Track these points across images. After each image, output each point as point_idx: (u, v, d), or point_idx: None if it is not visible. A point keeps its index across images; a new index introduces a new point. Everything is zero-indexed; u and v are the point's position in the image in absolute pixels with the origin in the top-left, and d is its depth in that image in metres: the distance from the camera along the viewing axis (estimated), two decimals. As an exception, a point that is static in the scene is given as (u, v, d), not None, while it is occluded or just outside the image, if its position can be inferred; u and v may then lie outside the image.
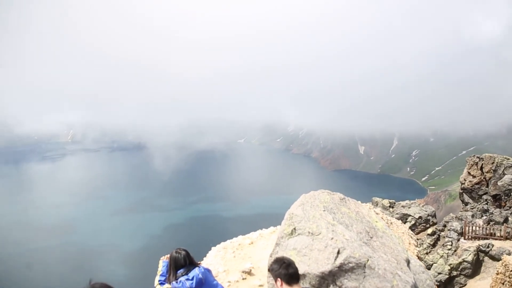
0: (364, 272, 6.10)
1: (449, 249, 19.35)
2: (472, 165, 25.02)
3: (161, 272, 5.41)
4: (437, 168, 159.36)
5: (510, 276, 11.76)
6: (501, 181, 23.19)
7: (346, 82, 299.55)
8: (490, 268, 17.86)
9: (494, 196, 23.46)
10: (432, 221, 23.94)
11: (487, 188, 24.04)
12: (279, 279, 4.01)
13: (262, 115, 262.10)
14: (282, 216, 7.48)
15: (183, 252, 5.16)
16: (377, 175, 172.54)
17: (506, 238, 19.23)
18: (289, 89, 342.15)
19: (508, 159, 24.18)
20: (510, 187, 22.81)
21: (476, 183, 24.48)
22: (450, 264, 18.55)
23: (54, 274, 76.51)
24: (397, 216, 23.06)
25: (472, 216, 21.85)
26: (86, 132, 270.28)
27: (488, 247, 18.49)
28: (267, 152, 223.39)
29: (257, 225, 16.07)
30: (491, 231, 19.75)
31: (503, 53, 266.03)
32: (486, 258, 18.50)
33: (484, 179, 24.28)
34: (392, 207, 25.07)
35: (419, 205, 25.25)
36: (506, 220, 20.54)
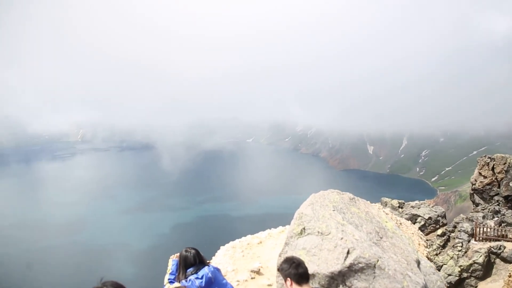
0: (374, 273, 6.05)
1: (459, 251, 19.08)
2: (483, 165, 24.66)
3: (170, 271, 5.46)
4: (447, 169, 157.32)
5: (523, 278, 11.59)
6: (513, 182, 22.84)
7: (346, 82, 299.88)
8: (501, 271, 17.55)
9: (506, 197, 23.10)
10: (442, 222, 23.61)
11: (498, 189, 23.67)
12: (288, 278, 4.00)
13: (270, 114, 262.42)
14: (290, 216, 7.46)
15: (193, 251, 5.20)
16: (386, 175, 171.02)
17: (518, 240, 18.93)
18: (289, 89, 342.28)
19: (521, 159, 23.80)
20: (522, 188, 22.46)
21: (487, 184, 24.12)
22: (461, 265, 18.28)
23: (64, 272, 77.33)
24: (407, 216, 22.81)
25: (483, 217, 21.52)
26: (96, 131, 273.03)
27: (499, 249, 18.15)
28: (275, 152, 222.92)
29: (265, 225, 16.02)
30: (503, 232, 19.40)
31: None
32: (497, 260, 18.15)
33: (495, 180, 23.91)
34: (402, 208, 24.79)
35: (428, 205, 24.92)
36: (518, 222, 20.22)
